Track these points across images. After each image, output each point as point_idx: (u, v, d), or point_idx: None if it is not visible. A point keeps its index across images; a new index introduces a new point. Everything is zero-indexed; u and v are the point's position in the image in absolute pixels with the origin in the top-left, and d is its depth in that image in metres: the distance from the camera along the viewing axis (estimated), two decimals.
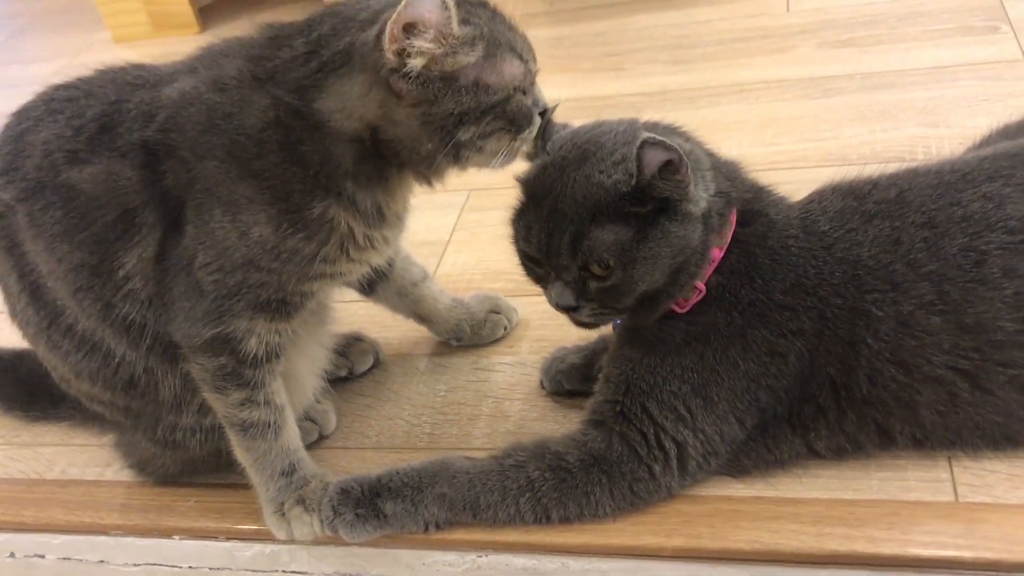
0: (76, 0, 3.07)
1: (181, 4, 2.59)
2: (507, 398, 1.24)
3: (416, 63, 0.88)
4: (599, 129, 1.01)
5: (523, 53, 0.96)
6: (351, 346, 1.32)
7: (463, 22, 0.90)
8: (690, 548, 0.99)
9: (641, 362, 1.02)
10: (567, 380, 1.20)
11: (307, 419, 1.21)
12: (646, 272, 0.94)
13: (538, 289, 1.39)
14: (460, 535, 1.06)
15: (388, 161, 0.98)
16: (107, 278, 1.00)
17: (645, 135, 0.90)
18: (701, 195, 0.96)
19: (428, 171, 0.99)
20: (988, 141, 1.22)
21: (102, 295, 1.01)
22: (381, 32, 0.89)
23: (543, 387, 1.23)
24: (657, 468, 1.01)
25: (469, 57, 0.90)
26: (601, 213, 0.94)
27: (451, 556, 1.09)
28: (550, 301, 1.02)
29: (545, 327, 1.34)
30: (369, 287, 1.25)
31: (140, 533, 1.19)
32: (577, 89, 1.91)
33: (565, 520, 1.03)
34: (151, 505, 1.20)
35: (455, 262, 1.52)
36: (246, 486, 1.12)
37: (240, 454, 1.09)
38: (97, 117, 1.01)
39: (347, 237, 0.99)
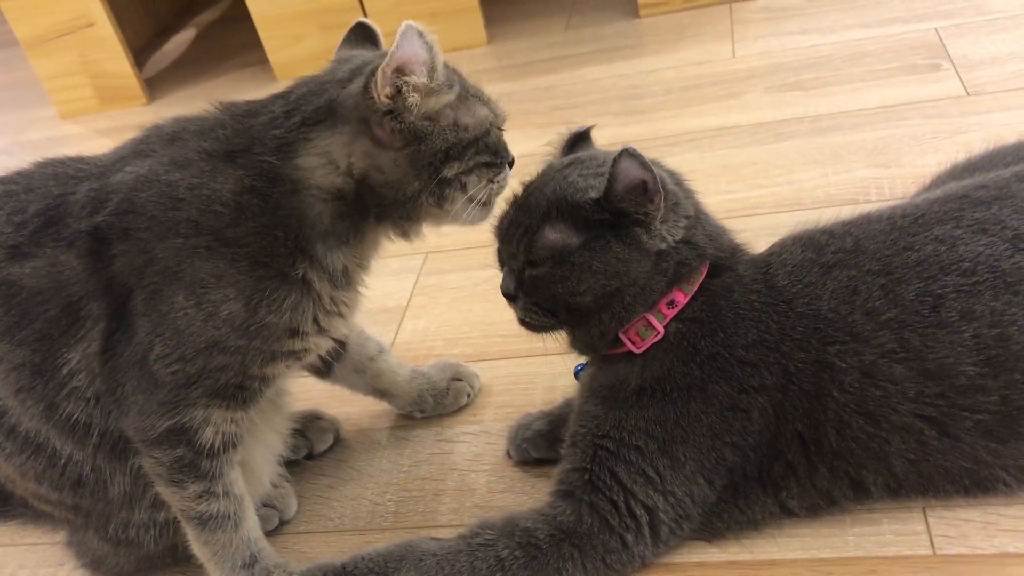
0: (19, 77, 3.03)
1: (127, 77, 2.57)
2: (472, 470, 1.21)
3: (412, 100, 0.92)
4: (607, 151, 1.05)
5: (487, 101, 1.02)
6: (310, 425, 1.28)
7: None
8: None
9: (605, 418, 1.00)
10: (533, 448, 1.17)
11: (266, 505, 1.17)
12: (574, 279, 0.97)
13: (500, 352, 1.38)
14: None
15: (367, 215, 0.99)
16: (50, 376, 0.97)
17: (628, 147, 0.92)
18: (664, 234, 0.97)
19: (409, 218, 1.00)
20: (938, 182, 1.22)
21: (45, 394, 0.97)
22: (369, 81, 0.93)
23: (509, 456, 1.20)
24: (629, 537, 0.98)
25: (449, 96, 0.96)
26: (561, 212, 0.98)
27: None
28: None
29: (509, 392, 1.32)
30: (326, 368, 1.22)
31: None
32: (530, 144, 1.89)
33: None
34: None
35: (414, 328, 1.49)
36: None
37: (198, 548, 1.05)
38: (41, 212, 0.98)
39: (317, 302, 0.98)
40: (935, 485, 0.96)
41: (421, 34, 0.91)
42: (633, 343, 1.00)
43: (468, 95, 0.99)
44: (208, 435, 0.99)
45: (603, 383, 1.03)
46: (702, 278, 1.00)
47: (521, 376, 1.34)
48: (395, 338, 1.48)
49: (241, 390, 0.99)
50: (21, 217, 0.98)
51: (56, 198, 0.98)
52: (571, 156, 1.07)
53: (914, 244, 0.97)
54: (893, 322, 0.93)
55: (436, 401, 1.29)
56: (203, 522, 1.02)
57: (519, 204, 1.03)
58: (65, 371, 0.96)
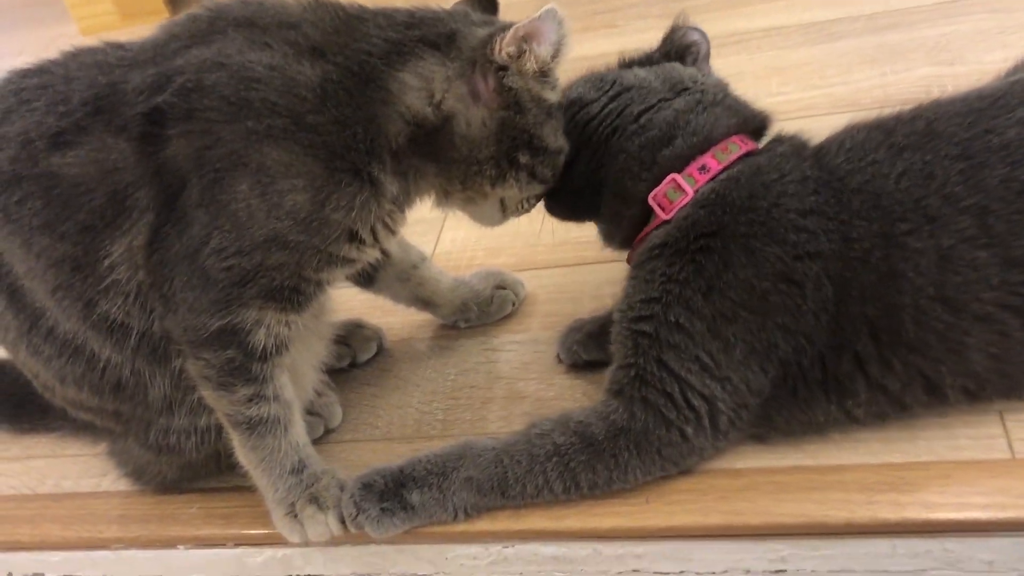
0: None
1: None
2: (520, 378, 1.17)
3: (529, 67, 0.92)
4: None
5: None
6: (352, 334, 1.25)
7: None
8: (730, 525, 0.93)
9: (645, 308, 0.96)
10: (584, 350, 1.13)
11: (311, 413, 1.14)
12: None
13: (544, 260, 1.33)
14: (483, 526, 1.00)
15: (432, 159, 0.97)
16: (90, 271, 0.93)
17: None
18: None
19: (461, 183, 1.00)
20: (1015, 71, 1.15)
21: (83, 292, 0.94)
22: (497, 33, 0.92)
23: (560, 360, 1.16)
24: (689, 430, 0.94)
25: (553, 95, 0.98)
26: None
27: (475, 548, 1.02)
28: None
29: (554, 300, 1.27)
30: (369, 278, 1.18)
31: (142, 545, 1.12)
32: (570, 49, 1.82)
33: (594, 487, 0.96)
34: (152, 515, 1.13)
35: (454, 239, 1.45)
36: (251, 488, 1.05)
37: (244, 455, 1.02)
38: (88, 100, 0.92)
39: (379, 208, 0.94)
40: (1017, 384, 0.91)
41: (560, 21, 0.92)
42: (662, 208, 0.97)
43: (559, 112, 1.01)
44: (260, 337, 0.95)
45: (636, 265, 1.00)
46: (740, 151, 0.98)
47: (566, 285, 1.29)
48: (435, 249, 1.43)
49: (296, 293, 0.95)
50: (65, 107, 0.92)
51: (105, 87, 0.92)
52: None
53: (996, 128, 0.90)
54: (974, 208, 0.87)
55: (480, 310, 1.25)
56: (251, 427, 0.99)
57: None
58: (106, 264, 0.92)
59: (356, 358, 1.25)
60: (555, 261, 1.33)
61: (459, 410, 1.15)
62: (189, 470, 1.12)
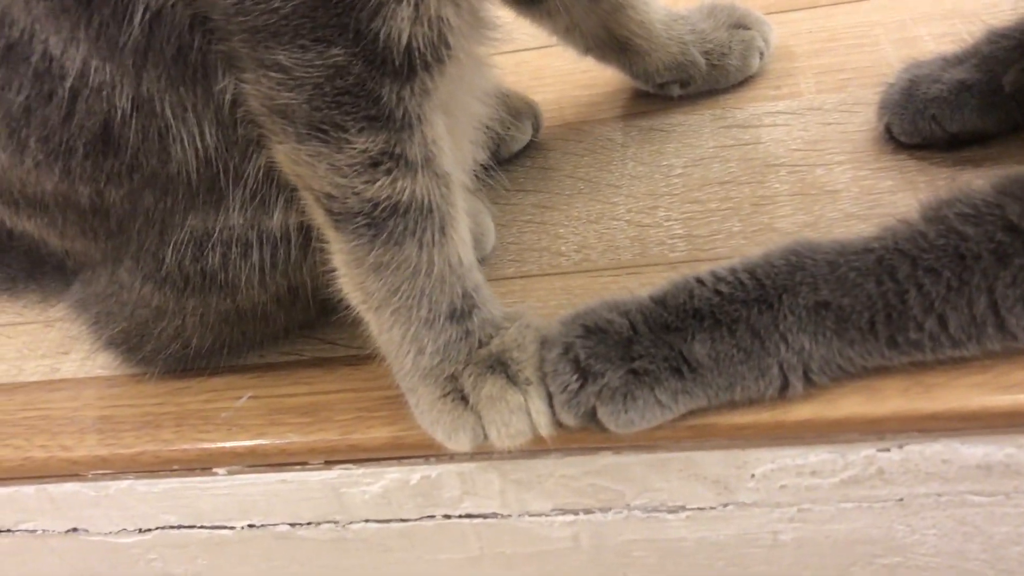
0: None
1: None
2: (817, 163, 0.66)
3: None
4: None
5: None
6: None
7: None
8: None
9: None
10: (951, 115, 0.62)
11: None
12: None
13: (779, 4, 0.82)
14: (844, 408, 0.49)
15: None
16: None
17: None
18: None
19: None
20: None
21: None
22: None
23: (890, 135, 0.65)
24: None
25: None
26: None
27: (821, 455, 0.52)
28: None
29: (828, 52, 0.76)
30: None
31: (143, 469, 0.60)
32: None
33: None
34: (162, 415, 0.61)
35: None
36: (357, 360, 0.55)
37: (359, 282, 0.51)
38: None
39: None
40: None
41: None
42: None
43: None
44: (402, 20, 0.44)
45: None
46: None
47: (841, 29, 0.78)
48: None
49: None
50: None
51: None
52: None
53: None
54: None
55: (711, 63, 0.74)
56: (378, 223, 0.48)
57: None
58: None
59: (503, 147, 0.73)
60: (805, 1, 0.82)
61: (713, 218, 0.64)
62: (237, 326, 0.59)
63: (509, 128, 0.73)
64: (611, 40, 0.71)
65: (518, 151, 0.74)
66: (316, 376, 0.60)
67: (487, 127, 0.65)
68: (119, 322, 0.60)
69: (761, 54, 0.74)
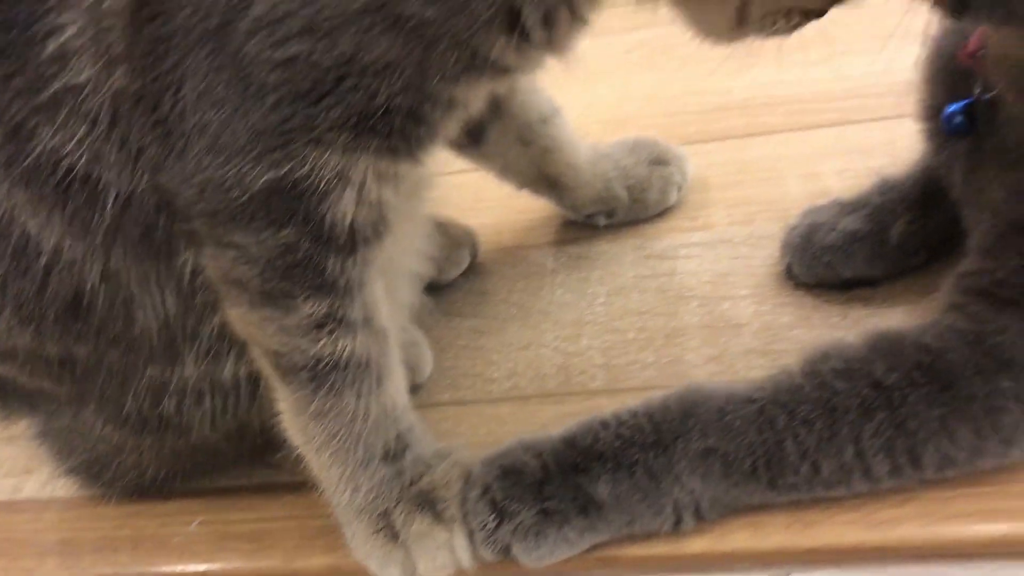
0: None
1: None
2: (724, 296, 0.73)
3: None
4: None
5: None
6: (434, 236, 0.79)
7: None
8: None
9: None
10: (844, 262, 0.69)
11: None
12: None
13: (699, 133, 0.89)
14: (739, 542, 0.56)
15: None
16: (18, 63, 0.48)
17: None
18: None
19: None
20: None
21: (5, 106, 0.47)
22: None
23: (791, 275, 0.72)
24: None
25: None
26: None
27: None
28: None
29: (739, 184, 0.83)
30: (476, 135, 0.73)
31: None
32: None
33: (947, 464, 0.54)
34: (119, 538, 0.66)
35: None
36: (300, 487, 0.60)
37: (302, 426, 0.57)
38: None
39: None
40: None
41: None
42: None
43: None
44: (345, 205, 0.50)
45: None
46: None
47: (753, 162, 0.85)
48: None
49: (413, 123, 0.49)
50: None
51: None
52: None
53: None
54: None
55: (632, 197, 0.80)
56: (320, 376, 0.54)
57: None
58: (51, 51, 0.47)
59: (442, 273, 0.79)
60: (720, 132, 0.89)
61: (630, 349, 0.71)
62: (190, 459, 0.65)
63: (448, 257, 0.79)
64: (542, 178, 0.78)
65: (457, 275, 0.80)
66: (261, 503, 0.65)
67: (427, 255, 0.72)
68: (80, 454, 0.65)
69: (679, 187, 0.82)
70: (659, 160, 0.81)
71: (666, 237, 0.80)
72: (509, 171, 0.78)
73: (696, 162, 0.84)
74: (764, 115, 0.89)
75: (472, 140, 0.73)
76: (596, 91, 0.99)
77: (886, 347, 0.56)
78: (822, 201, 0.73)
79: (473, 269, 0.82)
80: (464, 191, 0.86)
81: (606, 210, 0.81)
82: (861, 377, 0.55)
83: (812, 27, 0.55)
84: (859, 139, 0.83)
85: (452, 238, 0.79)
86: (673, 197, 0.81)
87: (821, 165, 0.82)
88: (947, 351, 0.54)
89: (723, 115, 0.90)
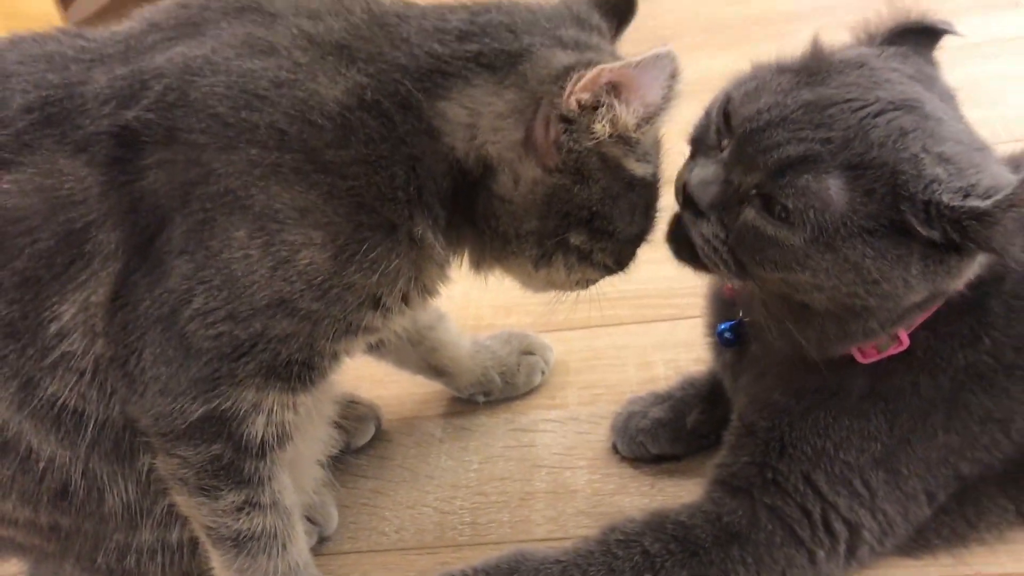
0: None
1: (49, 18, 2.19)
2: (566, 466, 0.94)
3: (599, 129, 0.67)
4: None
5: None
6: (344, 411, 1.00)
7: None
8: None
9: (803, 418, 0.75)
10: (652, 442, 0.91)
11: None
12: (823, 271, 0.64)
13: (568, 321, 1.11)
14: None
15: (470, 220, 0.73)
16: (31, 339, 0.67)
17: None
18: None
19: (495, 255, 0.76)
20: None
21: (20, 366, 0.67)
22: (575, 71, 0.66)
23: (616, 451, 0.94)
24: (821, 554, 0.74)
25: (639, 167, 0.71)
26: (871, 180, 0.62)
27: None
28: (684, 177, 0.71)
29: (592, 369, 1.06)
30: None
31: None
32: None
33: None
34: None
35: (452, 294, 1.20)
36: None
37: None
38: (35, 106, 0.67)
39: (421, 274, 0.72)
40: None
41: (673, 74, 0.65)
42: (863, 353, 0.73)
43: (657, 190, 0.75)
44: (258, 426, 0.70)
45: (807, 384, 0.75)
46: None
47: (603, 350, 1.08)
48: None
49: (306, 369, 0.71)
50: (2, 114, 0.67)
51: (58, 88, 0.68)
52: (916, 103, 0.65)
53: None
54: None
55: (505, 381, 1.02)
56: (240, 544, 0.74)
57: (798, 104, 0.65)
58: (53, 330, 0.67)
59: (350, 442, 1.00)
60: (582, 321, 1.12)
61: (492, 509, 0.91)
62: None
63: (357, 428, 1.00)
64: (431, 368, 1.00)
65: (363, 444, 1.01)
66: None
67: (338, 424, 0.93)
68: None
69: (543, 372, 1.04)
70: (528, 350, 1.04)
71: (531, 412, 1.02)
72: (404, 364, 1.00)
73: (560, 348, 1.07)
74: (617, 308, 1.11)
75: (371, 346, 0.94)
76: (489, 282, 1.22)
77: (656, 523, 0.77)
78: (644, 392, 0.96)
79: (379, 435, 1.02)
80: (375, 368, 1.07)
81: (484, 391, 1.02)
82: (635, 546, 0.75)
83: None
84: (687, 334, 1.04)
85: (359, 414, 1.00)
86: (538, 379, 1.03)
87: (655, 355, 1.05)
88: (695, 527, 0.75)
89: (584, 307, 1.13)
